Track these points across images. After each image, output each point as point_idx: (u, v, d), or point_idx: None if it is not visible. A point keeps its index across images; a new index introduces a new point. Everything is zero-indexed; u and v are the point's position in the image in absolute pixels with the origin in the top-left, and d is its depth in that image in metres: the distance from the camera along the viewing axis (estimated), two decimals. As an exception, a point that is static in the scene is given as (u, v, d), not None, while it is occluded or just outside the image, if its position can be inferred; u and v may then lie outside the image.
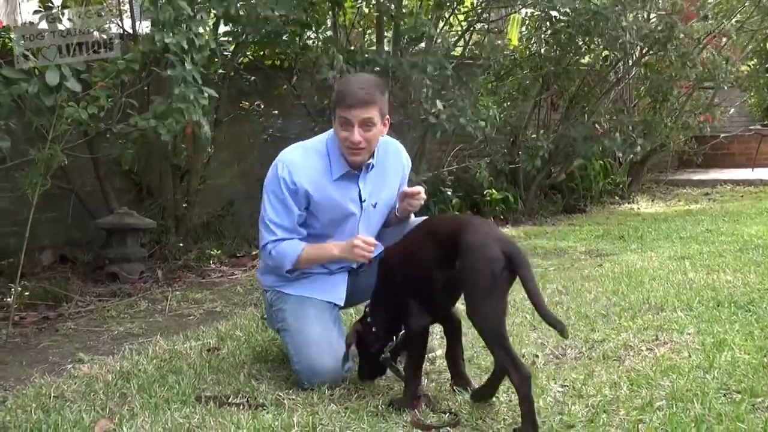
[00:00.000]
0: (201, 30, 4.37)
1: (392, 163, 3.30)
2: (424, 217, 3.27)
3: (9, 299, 4.53)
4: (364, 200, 3.20)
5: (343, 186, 3.16)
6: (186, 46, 4.20)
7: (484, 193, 7.96)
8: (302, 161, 3.13)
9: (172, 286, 5.29)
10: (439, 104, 6.17)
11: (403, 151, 3.41)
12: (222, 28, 5.91)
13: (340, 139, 3.08)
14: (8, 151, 4.00)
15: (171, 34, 4.16)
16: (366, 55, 6.07)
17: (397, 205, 3.31)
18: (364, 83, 3.08)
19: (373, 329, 2.98)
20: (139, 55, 4.28)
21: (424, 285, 2.78)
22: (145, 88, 5.34)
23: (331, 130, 3.18)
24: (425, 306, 2.83)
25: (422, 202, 3.26)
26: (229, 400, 2.92)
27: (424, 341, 2.89)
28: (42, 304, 4.71)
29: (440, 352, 3.35)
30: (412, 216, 3.37)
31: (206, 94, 4.32)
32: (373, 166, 3.20)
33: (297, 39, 6.13)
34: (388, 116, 3.13)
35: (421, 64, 6.01)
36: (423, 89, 6.12)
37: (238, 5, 5.14)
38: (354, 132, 3.02)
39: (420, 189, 3.24)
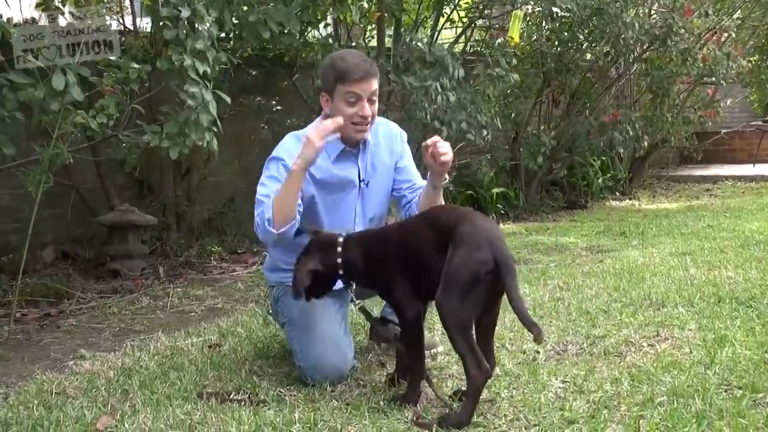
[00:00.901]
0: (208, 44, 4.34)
1: (384, 140, 3.27)
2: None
3: (11, 296, 4.53)
4: (363, 179, 3.20)
5: (342, 166, 3.15)
6: (203, 70, 4.17)
7: (486, 189, 7.96)
8: (297, 149, 3.00)
9: (174, 282, 5.30)
10: (443, 108, 6.18)
11: (393, 127, 3.36)
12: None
13: (346, 116, 3.00)
14: (13, 156, 4.00)
15: (187, 55, 4.14)
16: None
17: (428, 173, 3.14)
18: (362, 57, 3.07)
19: (338, 260, 2.87)
20: (148, 68, 4.27)
21: (418, 269, 2.75)
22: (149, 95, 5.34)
23: (319, 118, 3.16)
24: (416, 292, 2.79)
25: (447, 155, 2.97)
26: (231, 396, 2.92)
27: (420, 330, 2.85)
28: (43, 301, 4.71)
29: (441, 348, 3.35)
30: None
31: (214, 114, 4.30)
32: (368, 142, 3.19)
33: (298, 35, 6.11)
34: None
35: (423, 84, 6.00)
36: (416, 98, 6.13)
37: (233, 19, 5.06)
38: (364, 105, 3.01)
39: (436, 138, 3.02)
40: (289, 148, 3.09)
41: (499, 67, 6.51)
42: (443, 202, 3.23)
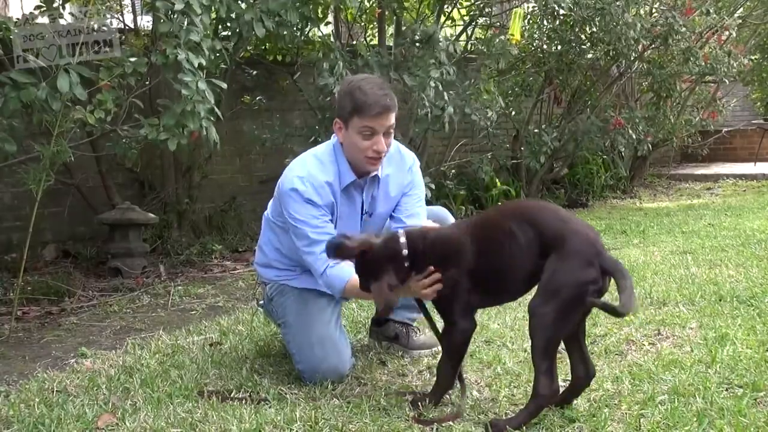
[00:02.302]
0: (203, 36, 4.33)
1: (395, 171, 3.17)
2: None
3: (12, 294, 4.53)
4: (367, 212, 3.14)
5: (348, 197, 3.08)
6: (198, 62, 4.17)
7: (486, 188, 7.96)
8: (319, 173, 2.98)
9: (175, 281, 5.30)
10: (444, 96, 6.17)
11: (406, 155, 3.24)
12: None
13: (359, 149, 2.93)
14: (13, 152, 4.00)
15: (182, 49, 4.13)
16: (367, 56, 6.04)
17: None
18: (382, 88, 2.92)
19: (406, 264, 2.68)
20: (144, 60, 4.27)
21: (496, 274, 2.62)
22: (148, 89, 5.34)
23: (334, 138, 3.07)
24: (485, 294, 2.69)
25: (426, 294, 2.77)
26: (232, 394, 2.92)
27: (466, 347, 2.75)
28: (45, 299, 4.72)
29: (436, 348, 3.35)
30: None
31: (211, 103, 4.29)
32: (378, 178, 3.10)
33: (299, 33, 6.11)
34: None
35: (424, 77, 5.98)
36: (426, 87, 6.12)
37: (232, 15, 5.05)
38: (380, 140, 2.92)
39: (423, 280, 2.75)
40: (314, 173, 2.98)
41: (495, 47, 6.49)
42: None
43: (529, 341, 2.53)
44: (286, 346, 3.25)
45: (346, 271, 2.88)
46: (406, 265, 2.68)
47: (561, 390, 2.61)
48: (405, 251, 2.68)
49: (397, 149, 3.18)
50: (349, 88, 2.95)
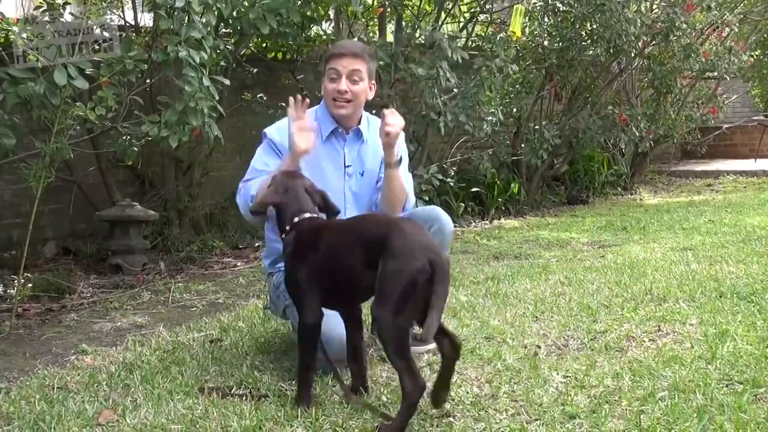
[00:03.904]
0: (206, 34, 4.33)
1: (377, 133, 3.26)
2: (428, 207, 3.24)
3: (12, 291, 4.54)
4: (349, 165, 3.28)
5: (330, 148, 3.27)
6: (198, 59, 4.17)
7: (487, 184, 7.96)
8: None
9: (175, 277, 5.30)
10: (440, 100, 6.17)
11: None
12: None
13: (327, 93, 3.22)
14: (12, 147, 3.99)
15: (182, 46, 4.13)
16: (376, 47, 6.05)
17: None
18: (353, 41, 3.24)
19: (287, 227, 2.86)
20: (145, 56, 4.27)
21: (336, 277, 2.71)
22: (148, 86, 5.34)
23: (322, 101, 3.29)
24: (325, 299, 2.76)
25: (392, 126, 3.06)
26: (232, 391, 2.92)
27: (317, 338, 2.79)
28: (45, 296, 4.72)
29: (433, 345, 3.36)
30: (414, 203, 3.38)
31: (215, 100, 4.30)
32: (363, 139, 3.31)
33: (300, 32, 6.11)
34: (374, 82, 3.28)
35: (430, 72, 5.99)
36: (424, 86, 6.13)
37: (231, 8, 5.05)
38: (341, 81, 3.16)
39: (390, 111, 3.12)
40: (284, 124, 3.23)
41: (498, 57, 6.51)
42: (401, 185, 3.23)
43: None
44: (292, 328, 3.24)
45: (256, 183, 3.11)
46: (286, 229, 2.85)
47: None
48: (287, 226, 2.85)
49: (377, 119, 3.29)
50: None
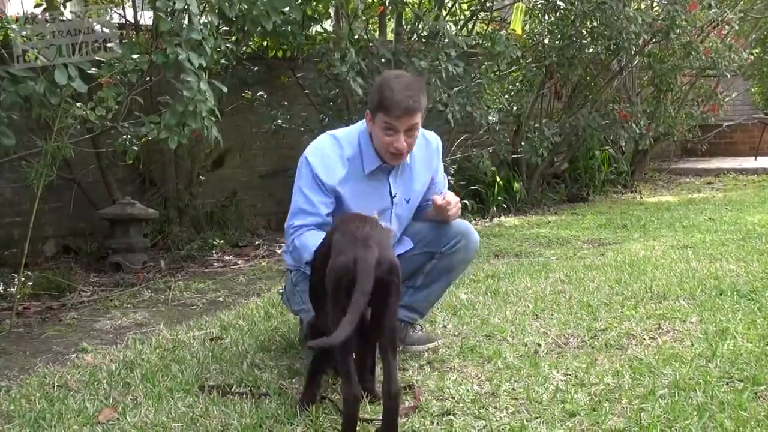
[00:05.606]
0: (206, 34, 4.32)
1: (421, 153, 3.23)
2: None
3: (12, 289, 4.54)
4: (395, 195, 3.17)
5: (375, 181, 3.12)
6: (198, 63, 4.16)
7: (487, 182, 7.96)
8: (333, 154, 3.06)
9: (175, 276, 5.30)
10: (445, 93, 6.17)
11: (430, 138, 3.33)
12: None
13: (381, 143, 3.01)
14: (12, 146, 4.00)
15: (182, 48, 4.13)
16: (372, 47, 6.05)
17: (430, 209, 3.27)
18: (409, 88, 2.95)
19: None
20: (145, 58, 4.27)
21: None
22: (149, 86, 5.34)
23: (362, 122, 3.12)
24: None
25: (453, 212, 3.19)
26: (232, 389, 2.92)
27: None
28: (45, 294, 4.71)
29: (442, 341, 3.36)
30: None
31: (212, 103, 4.29)
32: (408, 164, 3.18)
33: (301, 30, 6.11)
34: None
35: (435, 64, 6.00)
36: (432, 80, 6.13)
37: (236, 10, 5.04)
38: (400, 138, 2.97)
39: (448, 199, 3.16)
40: (327, 151, 3.08)
41: (498, 44, 6.52)
42: None
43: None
44: (304, 325, 3.21)
45: (312, 239, 2.92)
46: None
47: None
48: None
49: (421, 134, 3.20)
50: (380, 82, 3.04)
